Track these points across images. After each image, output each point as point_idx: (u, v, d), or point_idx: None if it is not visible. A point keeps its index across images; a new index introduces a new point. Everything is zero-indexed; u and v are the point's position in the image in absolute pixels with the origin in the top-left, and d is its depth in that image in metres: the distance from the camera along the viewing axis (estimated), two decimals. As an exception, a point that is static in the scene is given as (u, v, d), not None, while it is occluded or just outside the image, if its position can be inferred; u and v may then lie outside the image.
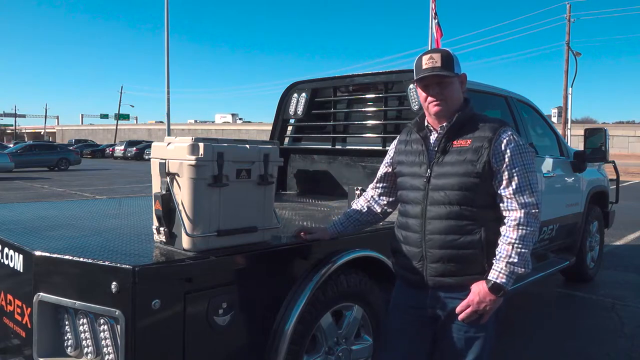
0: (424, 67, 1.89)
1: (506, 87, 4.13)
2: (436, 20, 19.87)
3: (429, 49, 2.02)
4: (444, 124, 1.91)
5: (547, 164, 4.16)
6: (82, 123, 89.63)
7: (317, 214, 3.20)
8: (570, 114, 27.03)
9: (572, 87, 26.09)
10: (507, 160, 1.81)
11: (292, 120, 4.36)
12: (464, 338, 1.88)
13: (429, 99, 1.92)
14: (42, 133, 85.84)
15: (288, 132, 4.43)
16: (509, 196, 1.81)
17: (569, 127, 25.77)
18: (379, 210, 2.21)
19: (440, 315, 1.92)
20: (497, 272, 1.78)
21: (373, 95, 3.88)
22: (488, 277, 1.80)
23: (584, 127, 5.48)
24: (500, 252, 1.79)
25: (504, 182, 1.81)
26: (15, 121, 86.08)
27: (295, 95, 4.17)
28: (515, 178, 1.80)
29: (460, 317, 1.83)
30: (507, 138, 1.83)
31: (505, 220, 1.82)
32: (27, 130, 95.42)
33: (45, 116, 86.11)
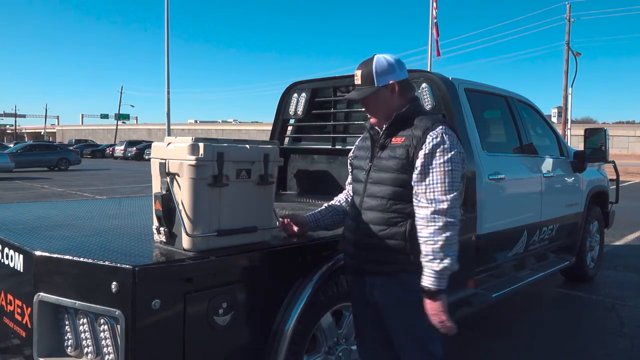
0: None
1: (506, 87, 4.13)
2: (435, 20, 19.90)
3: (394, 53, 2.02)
4: (387, 122, 2.00)
5: (547, 164, 4.15)
6: (82, 123, 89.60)
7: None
8: (570, 114, 27.08)
9: (572, 87, 26.13)
10: (426, 156, 1.85)
11: (292, 120, 4.36)
12: (402, 326, 1.98)
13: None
14: (42, 133, 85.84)
15: (288, 132, 4.43)
16: (419, 192, 1.85)
17: (569, 127, 25.78)
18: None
19: (376, 302, 2.01)
20: (425, 276, 1.82)
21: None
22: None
23: (584, 127, 5.48)
24: (421, 254, 1.83)
25: (418, 177, 1.86)
26: (15, 121, 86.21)
27: (295, 95, 4.17)
28: (430, 175, 1.83)
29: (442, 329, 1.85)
30: (433, 136, 1.87)
31: (416, 219, 1.85)
32: (27, 130, 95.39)
33: (46, 116, 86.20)
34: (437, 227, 1.79)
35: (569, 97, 26.47)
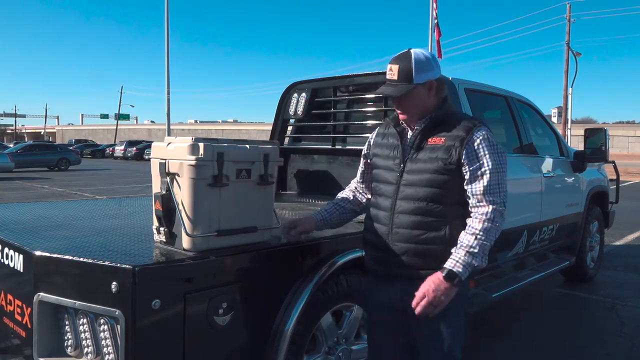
0: (386, 77, 1.94)
1: (506, 87, 4.13)
2: (436, 20, 19.90)
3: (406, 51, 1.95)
4: (420, 121, 1.94)
5: (547, 164, 4.15)
6: (82, 123, 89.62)
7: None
8: (570, 114, 27.08)
9: (572, 87, 26.13)
10: (478, 159, 1.84)
11: (292, 120, 4.36)
12: (433, 331, 1.90)
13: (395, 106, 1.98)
14: (42, 133, 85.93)
15: (288, 132, 4.43)
16: (478, 193, 1.84)
17: (569, 127, 25.78)
18: (364, 201, 2.23)
19: (407, 307, 1.93)
20: (455, 260, 1.79)
21: (373, 95, 3.87)
22: (444, 266, 1.80)
23: (584, 127, 5.48)
24: (461, 241, 1.81)
25: (475, 180, 1.84)
26: (15, 121, 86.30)
27: (295, 95, 4.17)
28: (487, 176, 1.83)
29: (417, 310, 1.81)
30: (480, 137, 1.85)
31: (472, 214, 1.85)
32: (27, 130, 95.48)
33: (46, 116, 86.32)
34: (492, 226, 1.81)
35: (569, 97, 26.47)
